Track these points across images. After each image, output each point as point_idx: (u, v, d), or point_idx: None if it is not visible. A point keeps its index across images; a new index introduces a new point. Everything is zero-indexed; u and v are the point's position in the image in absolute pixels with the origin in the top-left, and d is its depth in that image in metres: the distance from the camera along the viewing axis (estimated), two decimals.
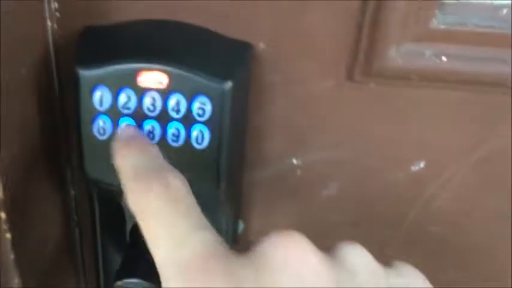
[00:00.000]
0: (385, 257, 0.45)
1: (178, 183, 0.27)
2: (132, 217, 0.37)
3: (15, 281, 0.34)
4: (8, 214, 0.31)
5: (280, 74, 0.38)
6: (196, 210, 0.26)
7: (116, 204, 0.39)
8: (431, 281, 0.28)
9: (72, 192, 0.42)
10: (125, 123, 0.33)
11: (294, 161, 0.41)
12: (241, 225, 0.44)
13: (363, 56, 0.36)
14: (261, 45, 0.36)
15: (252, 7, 0.35)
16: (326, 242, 0.45)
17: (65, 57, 0.36)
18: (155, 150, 0.30)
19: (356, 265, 0.25)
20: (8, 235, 0.32)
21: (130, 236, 0.39)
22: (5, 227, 0.31)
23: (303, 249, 0.24)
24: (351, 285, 0.24)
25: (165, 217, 0.25)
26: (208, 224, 0.26)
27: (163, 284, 0.24)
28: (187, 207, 0.26)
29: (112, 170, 0.35)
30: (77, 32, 0.36)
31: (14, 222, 0.32)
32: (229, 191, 0.38)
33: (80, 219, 0.43)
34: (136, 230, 0.38)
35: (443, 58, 0.35)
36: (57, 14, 0.35)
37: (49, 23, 0.35)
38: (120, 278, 0.37)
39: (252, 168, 0.42)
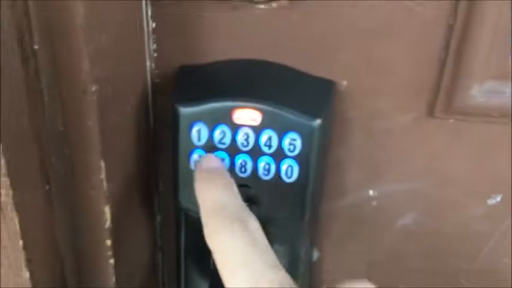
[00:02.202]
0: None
1: (255, 224, 0.28)
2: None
3: None
4: (112, 241, 0.34)
5: (361, 109, 0.39)
6: (271, 251, 0.28)
7: (201, 232, 0.40)
8: None
9: (158, 218, 0.44)
10: (209, 153, 0.34)
11: (371, 193, 0.43)
12: (316, 253, 0.46)
13: (444, 93, 0.37)
14: (344, 83, 0.38)
15: (335, 46, 0.37)
16: (399, 271, 0.46)
17: (159, 94, 0.39)
18: (235, 188, 0.31)
19: None
20: (112, 261, 0.34)
21: (214, 263, 0.41)
22: (109, 253, 0.34)
23: None
24: None
25: (243, 256, 0.27)
26: (281, 266, 0.27)
27: None
28: (264, 248, 0.28)
29: None
30: (170, 71, 0.38)
31: (116, 249, 0.35)
32: (311, 221, 0.39)
33: (163, 244, 0.45)
34: None
35: None
36: (155, 54, 0.38)
37: (148, 63, 0.37)
38: None
39: (329, 199, 0.43)
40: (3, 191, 0.26)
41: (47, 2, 0.26)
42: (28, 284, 0.29)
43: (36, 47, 0.26)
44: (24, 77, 0.26)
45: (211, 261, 0.41)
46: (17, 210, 0.26)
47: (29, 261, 0.28)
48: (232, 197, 0.30)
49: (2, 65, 0.24)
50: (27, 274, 0.28)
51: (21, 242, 0.27)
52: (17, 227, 0.27)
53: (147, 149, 0.40)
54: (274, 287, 0.26)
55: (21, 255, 0.28)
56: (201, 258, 0.42)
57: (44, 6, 0.26)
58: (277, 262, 0.28)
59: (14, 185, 0.26)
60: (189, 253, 0.42)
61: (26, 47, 0.26)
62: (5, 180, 0.25)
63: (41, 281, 0.30)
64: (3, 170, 0.25)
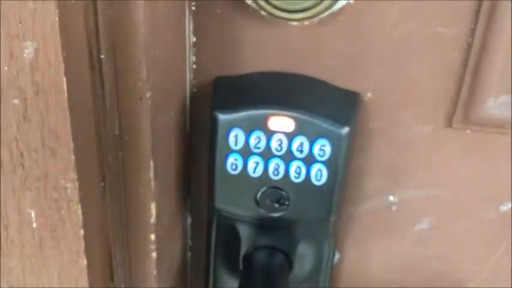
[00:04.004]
0: None
1: None
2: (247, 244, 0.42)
3: None
4: (156, 236, 0.37)
5: (383, 119, 0.42)
6: None
7: (232, 232, 0.43)
8: None
9: (189, 219, 0.47)
10: None
11: (391, 198, 0.45)
12: (337, 256, 0.48)
13: (462, 106, 0.40)
14: (368, 94, 0.41)
15: (361, 61, 0.40)
16: (415, 274, 0.48)
17: (195, 102, 0.42)
18: None
19: None
20: (154, 254, 0.37)
21: (243, 263, 0.43)
22: (152, 247, 0.37)
23: None
24: None
25: None
26: None
27: None
28: None
29: (237, 202, 0.40)
30: (206, 81, 0.42)
31: (158, 244, 0.37)
32: (335, 223, 0.42)
33: (193, 244, 0.48)
34: (249, 257, 0.43)
35: None
36: (194, 66, 0.41)
37: (188, 74, 0.41)
38: None
39: (351, 203, 0.46)
40: (70, 185, 0.29)
41: (114, 21, 0.29)
42: (85, 271, 0.32)
43: (102, 56, 0.29)
44: (90, 85, 0.29)
45: (240, 262, 0.44)
46: (80, 202, 0.29)
47: (87, 250, 0.31)
48: None
49: (72, 75, 0.27)
50: (84, 262, 0.31)
51: (82, 231, 0.30)
52: (80, 217, 0.30)
53: (185, 152, 0.43)
54: None
55: (82, 244, 0.30)
56: (231, 258, 0.44)
57: (111, 25, 0.29)
58: None
59: (79, 180, 0.29)
60: (219, 254, 0.45)
61: (94, 58, 0.29)
62: (73, 175, 0.28)
63: (95, 269, 0.33)
64: (72, 166, 0.28)
